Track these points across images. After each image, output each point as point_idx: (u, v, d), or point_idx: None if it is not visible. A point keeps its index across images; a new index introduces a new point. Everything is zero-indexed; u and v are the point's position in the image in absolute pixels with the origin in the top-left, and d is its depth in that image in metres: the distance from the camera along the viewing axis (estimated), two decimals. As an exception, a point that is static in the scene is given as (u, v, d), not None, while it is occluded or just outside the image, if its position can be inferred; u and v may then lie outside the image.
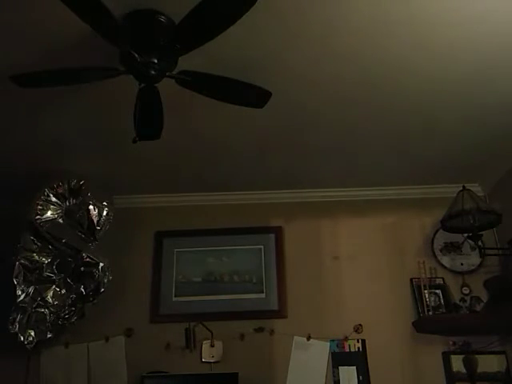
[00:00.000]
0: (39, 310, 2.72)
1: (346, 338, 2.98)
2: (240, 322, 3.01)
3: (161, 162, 2.98)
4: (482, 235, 2.86)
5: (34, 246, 2.80)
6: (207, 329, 2.93)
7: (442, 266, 3.15)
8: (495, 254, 3.05)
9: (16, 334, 2.65)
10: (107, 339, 3.00)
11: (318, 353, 2.94)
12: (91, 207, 2.86)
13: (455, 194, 2.87)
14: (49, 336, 2.74)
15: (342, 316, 3.04)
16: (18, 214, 2.86)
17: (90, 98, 2.31)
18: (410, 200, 3.32)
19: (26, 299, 2.70)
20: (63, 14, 1.66)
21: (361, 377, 2.87)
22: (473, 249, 3.11)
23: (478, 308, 2.95)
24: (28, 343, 2.68)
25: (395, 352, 2.93)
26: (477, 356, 2.86)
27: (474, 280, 3.08)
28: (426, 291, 2.98)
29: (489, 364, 2.85)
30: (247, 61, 2.09)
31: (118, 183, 3.18)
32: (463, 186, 2.88)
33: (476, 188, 3.14)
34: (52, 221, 2.83)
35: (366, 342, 2.97)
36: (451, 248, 3.19)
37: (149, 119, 2.15)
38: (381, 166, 3.09)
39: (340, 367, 2.90)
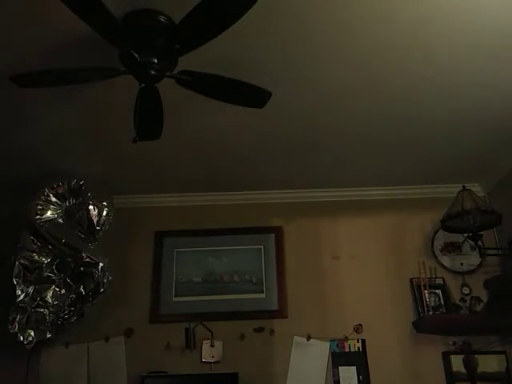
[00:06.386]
0: (39, 309, 2.71)
1: (346, 338, 2.98)
2: (240, 321, 3.01)
3: (161, 162, 2.98)
4: (481, 235, 2.86)
5: (34, 246, 2.79)
6: (207, 329, 2.93)
7: (442, 266, 3.15)
8: (495, 254, 3.05)
9: (16, 333, 2.64)
10: (107, 339, 3.00)
11: (318, 353, 2.94)
12: (91, 207, 2.86)
13: (455, 194, 2.87)
14: (48, 336, 2.74)
15: (342, 316, 3.04)
16: (18, 213, 2.86)
17: (89, 97, 2.31)
18: (410, 200, 3.33)
19: (26, 299, 2.70)
20: (63, 14, 1.66)
21: (361, 377, 2.87)
22: (473, 249, 3.11)
23: (478, 308, 2.95)
24: (27, 343, 2.67)
25: (395, 352, 2.93)
26: (477, 356, 2.86)
27: (474, 280, 3.08)
28: (426, 291, 2.98)
29: (489, 364, 2.85)
30: (247, 61, 2.09)
31: (117, 183, 3.18)
32: (463, 186, 2.88)
33: (476, 188, 3.14)
34: (52, 221, 2.83)
35: (366, 341, 2.97)
36: (451, 248, 3.19)
37: (149, 119, 2.15)
38: (381, 167, 3.09)
39: (340, 367, 2.90)
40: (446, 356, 2.90)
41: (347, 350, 2.95)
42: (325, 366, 2.91)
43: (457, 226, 2.86)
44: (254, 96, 2.09)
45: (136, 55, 1.75)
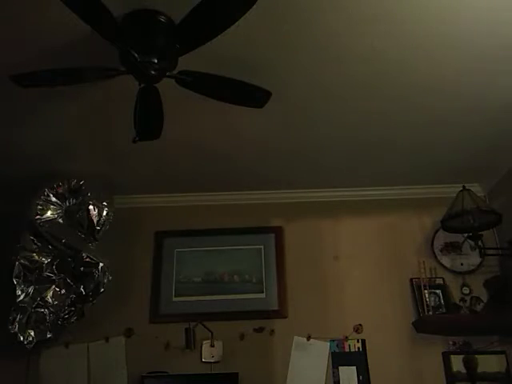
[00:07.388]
0: (39, 310, 2.71)
1: (346, 338, 2.97)
2: (240, 321, 3.01)
3: (160, 162, 2.98)
4: (482, 235, 2.86)
5: (34, 246, 2.79)
6: (207, 329, 2.92)
7: (442, 265, 3.15)
8: (495, 254, 3.05)
9: (16, 333, 2.64)
10: (107, 339, 3.00)
11: (318, 353, 2.94)
12: (91, 207, 2.86)
13: (455, 194, 2.87)
14: (48, 336, 2.73)
15: (342, 316, 3.04)
16: (18, 213, 2.86)
17: (90, 97, 2.31)
18: (410, 200, 3.32)
19: (26, 299, 2.70)
20: (63, 14, 1.66)
21: (361, 377, 2.87)
22: (473, 249, 3.10)
23: (478, 308, 2.95)
24: (28, 343, 2.67)
25: (395, 352, 2.93)
26: (477, 356, 2.86)
27: (474, 280, 3.08)
28: (426, 291, 2.98)
29: (489, 364, 2.85)
30: (247, 61, 2.09)
31: (118, 183, 3.18)
32: (463, 186, 2.87)
33: (476, 188, 3.14)
34: (52, 221, 2.83)
35: (366, 341, 2.97)
36: (451, 248, 3.18)
37: (149, 119, 2.15)
38: (381, 166, 3.09)
39: (340, 367, 2.90)
40: (446, 356, 2.90)
41: (347, 350, 2.95)
42: (325, 366, 2.91)
43: (457, 226, 2.86)
44: (253, 96, 2.09)
45: (136, 55, 1.75)
